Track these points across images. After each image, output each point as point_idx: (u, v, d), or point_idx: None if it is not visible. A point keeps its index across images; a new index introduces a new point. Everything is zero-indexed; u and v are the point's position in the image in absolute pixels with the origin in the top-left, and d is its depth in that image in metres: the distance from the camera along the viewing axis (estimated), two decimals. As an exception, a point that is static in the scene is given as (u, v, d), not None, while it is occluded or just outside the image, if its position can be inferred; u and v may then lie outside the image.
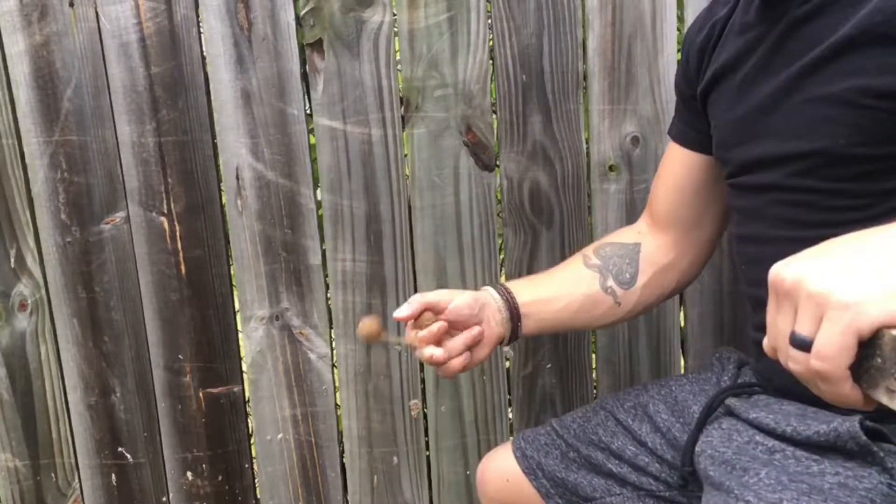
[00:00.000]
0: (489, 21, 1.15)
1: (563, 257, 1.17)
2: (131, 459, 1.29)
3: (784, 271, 0.48)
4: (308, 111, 1.19)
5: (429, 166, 1.19)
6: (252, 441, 1.30)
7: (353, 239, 1.21)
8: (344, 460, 1.29)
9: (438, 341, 0.83)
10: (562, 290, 0.93)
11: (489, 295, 0.91)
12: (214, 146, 1.19)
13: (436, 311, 0.84)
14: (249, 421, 1.29)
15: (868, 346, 0.43)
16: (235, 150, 1.18)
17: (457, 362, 0.84)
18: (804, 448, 0.69)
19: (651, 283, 0.94)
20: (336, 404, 1.28)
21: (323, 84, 1.16)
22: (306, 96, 1.18)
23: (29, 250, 1.21)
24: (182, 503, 1.30)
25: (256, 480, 1.32)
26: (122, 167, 1.19)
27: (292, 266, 1.22)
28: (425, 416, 1.28)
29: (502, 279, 1.24)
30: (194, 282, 1.22)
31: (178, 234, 1.21)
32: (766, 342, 0.50)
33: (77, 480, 1.29)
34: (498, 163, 1.20)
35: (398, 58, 1.17)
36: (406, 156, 1.19)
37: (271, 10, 1.14)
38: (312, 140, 1.20)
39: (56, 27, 1.14)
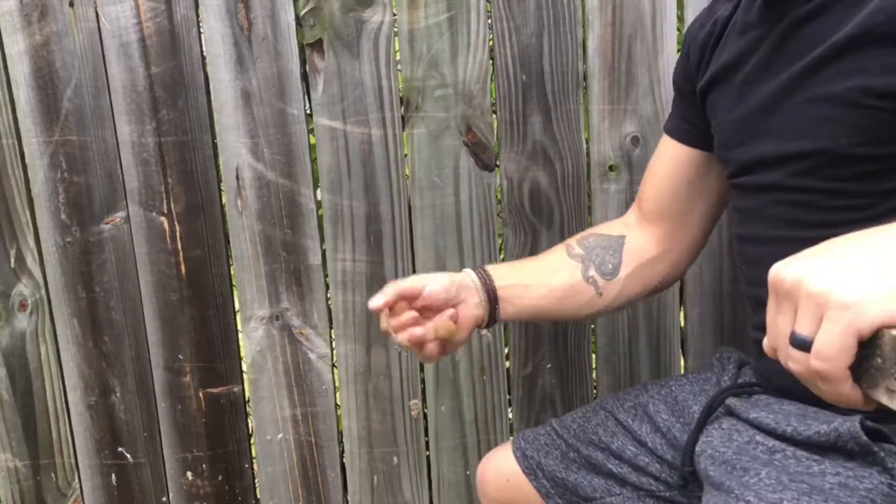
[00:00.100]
0: (489, 21, 1.15)
1: (564, 257, 1.17)
2: (131, 459, 1.28)
3: (784, 271, 0.47)
4: (308, 111, 1.18)
5: (429, 166, 1.19)
6: (252, 441, 1.30)
7: (353, 239, 1.21)
8: (344, 460, 1.29)
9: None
10: (541, 277, 0.93)
11: (468, 276, 0.90)
12: (214, 146, 1.19)
13: (411, 297, 0.84)
14: (249, 421, 1.29)
15: (868, 346, 0.43)
16: (235, 150, 1.18)
17: (433, 346, 0.84)
18: (805, 448, 0.69)
19: (634, 276, 0.94)
20: (336, 404, 1.28)
21: (323, 84, 1.16)
22: (306, 96, 1.18)
23: (29, 250, 1.21)
24: (182, 503, 1.30)
25: (256, 480, 1.32)
26: (122, 167, 1.19)
27: (292, 266, 1.22)
28: (425, 416, 1.28)
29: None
30: (194, 282, 1.22)
31: (178, 234, 1.21)
32: (766, 342, 0.50)
33: (77, 480, 1.29)
34: (498, 163, 1.20)
35: (398, 58, 1.17)
36: (406, 156, 1.19)
37: (271, 10, 1.14)
38: (312, 140, 1.20)
39: (56, 27, 1.14)
